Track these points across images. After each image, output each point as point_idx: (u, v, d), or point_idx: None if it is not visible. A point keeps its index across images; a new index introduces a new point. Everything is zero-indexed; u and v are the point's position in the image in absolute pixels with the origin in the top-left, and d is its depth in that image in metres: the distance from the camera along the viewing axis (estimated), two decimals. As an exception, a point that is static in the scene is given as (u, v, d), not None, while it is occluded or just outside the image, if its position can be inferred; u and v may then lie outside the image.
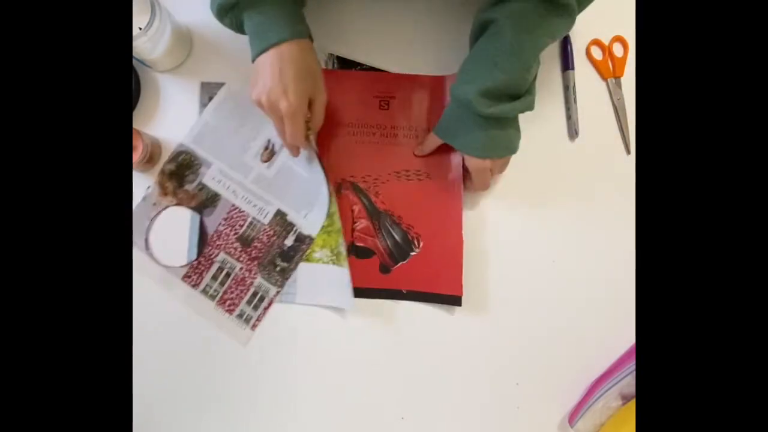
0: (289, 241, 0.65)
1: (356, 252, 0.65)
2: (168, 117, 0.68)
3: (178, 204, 0.66)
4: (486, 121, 0.59)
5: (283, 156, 0.67)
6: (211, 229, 0.65)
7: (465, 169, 0.64)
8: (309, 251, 0.64)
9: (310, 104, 0.59)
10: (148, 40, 0.60)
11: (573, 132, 0.68)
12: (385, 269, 0.65)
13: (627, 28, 0.70)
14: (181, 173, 0.66)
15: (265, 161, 0.66)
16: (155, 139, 0.66)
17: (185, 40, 0.68)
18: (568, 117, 0.69)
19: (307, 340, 0.64)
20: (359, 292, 0.64)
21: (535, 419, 0.64)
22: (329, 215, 0.64)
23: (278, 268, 0.64)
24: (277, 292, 0.64)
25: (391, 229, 0.65)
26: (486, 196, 0.67)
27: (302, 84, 0.56)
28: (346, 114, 0.68)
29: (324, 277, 0.64)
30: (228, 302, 0.64)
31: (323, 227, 0.65)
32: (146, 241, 0.65)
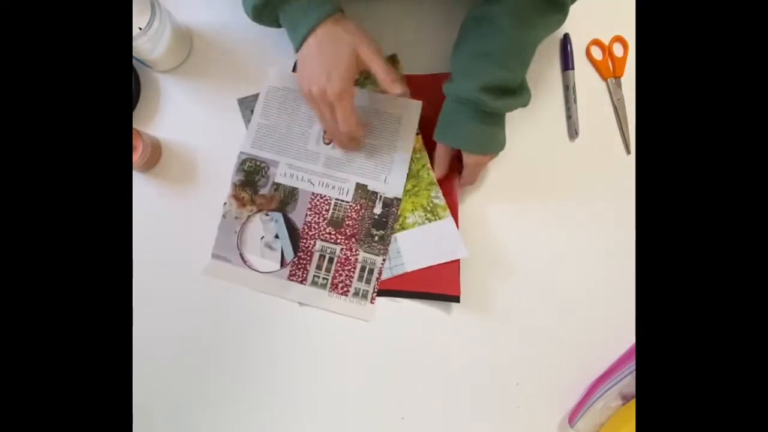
0: (377, 210, 0.65)
1: None
2: (168, 117, 0.68)
3: (259, 210, 0.66)
4: (486, 116, 0.59)
5: None
6: (300, 223, 0.65)
7: (455, 166, 0.65)
8: (402, 220, 0.65)
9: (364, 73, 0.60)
10: (148, 40, 0.60)
11: (573, 132, 0.68)
12: None
13: (627, 28, 0.70)
14: (251, 180, 0.66)
15: (328, 143, 0.67)
16: (155, 139, 0.66)
17: (185, 40, 0.68)
18: (568, 117, 0.69)
19: (306, 340, 0.64)
20: None
21: (535, 419, 0.64)
22: (413, 174, 0.65)
23: (376, 238, 0.65)
24: (384, 260, 0.64)
25: None
26: (486, 195, 0.67)
27: (343, 64, 0.56)
28: None
29: (426, 238, 0.64)
30: (340, 285, 0.65)
31: (407, 191, 0.65)
32: (241, 255, 0.65)
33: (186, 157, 0.68)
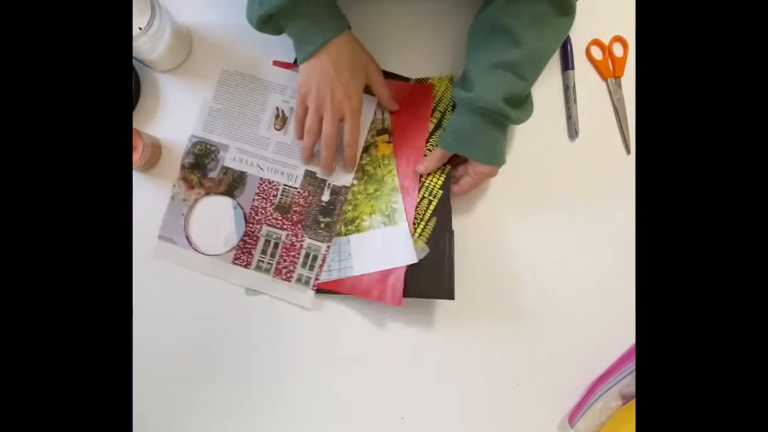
0: (325, 197, 0.65)
1: None
2: (168, 117, 0.68)
3: (207, 193, 0.66)
4: (502, 127, 0.60)
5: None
6: (247, 208, 0.66)
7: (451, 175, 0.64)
8: (358, 222, 0.64)
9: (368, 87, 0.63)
10: (148, 40, 0.60)
11: (573, 132, 0.68)
12: None
13: (627, 28, 0.70)
14: (201, 163, 0.66)
15: (280, 128, 0.67)
16: (155, 139, 0.66)
17: (185, 40, 0.68)
18: (568, 117, 0.69)
19: (306, 340, 0.64)
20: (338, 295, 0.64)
21: (535, 419, 0.64)
22: (377, 179, 0.65)
23: (322, 225, 0.65)
24: (328, 247, 0.65)
25: None
26: (485, 195, 0.67)
27: (358, 80, 0.61)
28: None
29: (379, 242, 0.63)
30: (284, 271, 0.65)
31: (369, 194, 0.65)
32: (187, 237, 0.65)
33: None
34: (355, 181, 0.66)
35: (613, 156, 0.69)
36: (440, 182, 0.64)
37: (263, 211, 0.66)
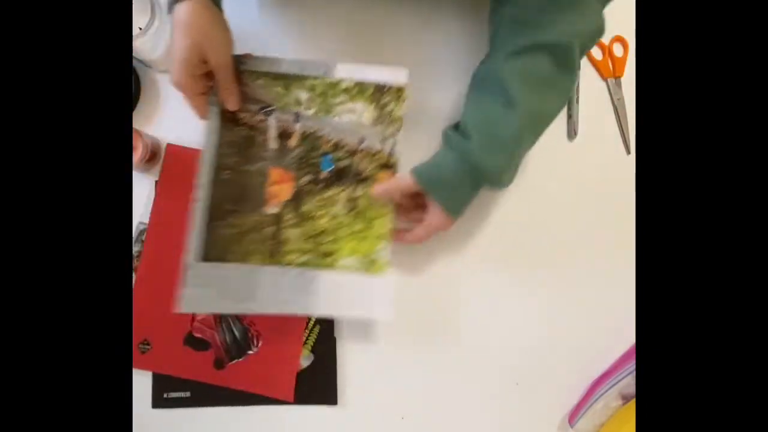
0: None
1: (192, 343, 0.62)
2: (168, 117, 0.67)
3: None
4: (479, 187, 0.58)
5: None
6: None
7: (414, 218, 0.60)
8: (331, 258, 0.58)
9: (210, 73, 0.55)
10: (148, 40, 0.60)
11: (572, 132, 0.68)
12: (219, 364, 0.62)
13: (627, 28, 0.70)
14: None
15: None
16: (155, 139, 0.66)
17: (185, 40, 0.67)
18: (569, 117, 0.69)
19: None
20: (190, 385, 0.61)
21: (535, 419, 0.64)
22: (366, 218, 0.59)
23: None
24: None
25: (232, 324, 0.62)
26: (485, 195, 0.67)
27: (189, 58, 0.52)
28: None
29: (352, 287, 0.58)
30: None
31: (355, 232, 0.59)
32: None
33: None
34: (343, 212, 0.59)
35: (613, 156, 0.69)
36: None
37: None
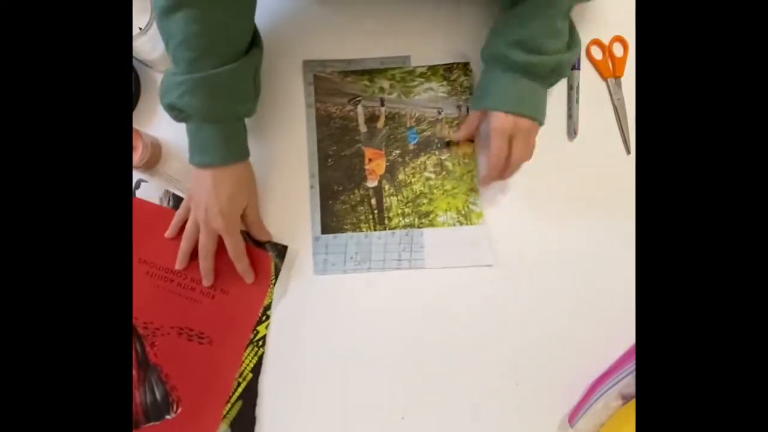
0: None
1: None
2: (168, 117, 0.67)
3: None
4: (516, 72, 0.59)
5: None
6: None
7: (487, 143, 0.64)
8: (432, 217, 0.66)
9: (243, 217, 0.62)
10: (148, 40, 0.60)
11: (572, 132, 0.68)
12: (135, 425, 0.60)
13: (627, 28, 0.70)
14: None
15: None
16: (155, 139, 0.66)
17: (185, 40, 0.67)
18: (569, 116, 0.69)
19: (305, 339, 0.64)
20: None
21: (535, 419, 0.64)
22: (456, 177, 0.67)
23: None
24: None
25: (155, 385, 0.61)
26: (484, 195, 0.67)
27: (236, 204, 0.60)
28: (152, 251, 0.63)
29: (453, 240, 0.65)
30: None
31: (446, 191, 0.67)
32: None
33: (186, 157, 0.67)
34: (433, 176, 0.67)
35: (613, 156, 0.69)
36: (252, 364, 0.62)
37: None
